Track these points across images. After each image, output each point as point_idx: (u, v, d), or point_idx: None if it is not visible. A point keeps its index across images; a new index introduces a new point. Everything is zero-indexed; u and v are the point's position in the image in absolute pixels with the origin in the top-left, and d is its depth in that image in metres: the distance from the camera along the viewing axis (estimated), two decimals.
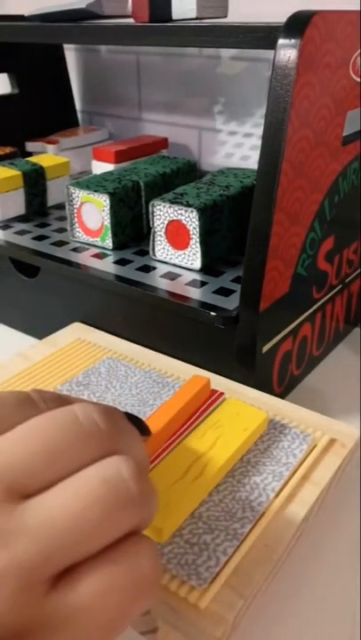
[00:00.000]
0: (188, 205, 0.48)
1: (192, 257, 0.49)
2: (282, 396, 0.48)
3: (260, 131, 0.73)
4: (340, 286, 0.54)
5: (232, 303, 0.44)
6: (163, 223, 0.50)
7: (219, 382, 0.43)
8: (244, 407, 0.39)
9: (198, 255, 0.49)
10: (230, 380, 0.44)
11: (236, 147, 0.76)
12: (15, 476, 0.20)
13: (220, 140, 0.77)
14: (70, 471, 0.20)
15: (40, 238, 0.57)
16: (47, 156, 0.67)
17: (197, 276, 0.49)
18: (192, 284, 0.47)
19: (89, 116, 0.90)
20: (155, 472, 0.33)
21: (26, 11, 0.59)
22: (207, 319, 0.43)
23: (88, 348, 0.48)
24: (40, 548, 0.18)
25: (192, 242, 0.49)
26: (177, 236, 0.49)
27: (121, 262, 0.51)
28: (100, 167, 0.69)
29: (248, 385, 0.43)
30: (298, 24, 0.36)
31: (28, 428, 0.21)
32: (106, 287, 0.49)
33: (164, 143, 0.75)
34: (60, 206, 0.65)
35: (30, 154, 0.77)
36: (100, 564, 0.19)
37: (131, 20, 0.53)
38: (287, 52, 0.36)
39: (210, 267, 0.50)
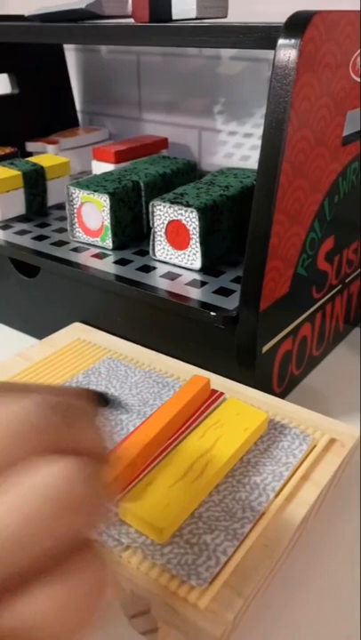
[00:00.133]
0: (188, 205, 0.48)
1: (192, 257, 0.49)
2: (282, 395, 0.48)
3: (260, 131, 0.73)
4: (340, 286, 0.54)
5: (232, 303, 0.44)
6: (163, 223, 0.50)
7: (219, 382, 0.43)
8: (244, 407, 0.39)
9: (198, 255, 0.49)
10: (230, 379, 0.44)
11: (236, 147, 0.76)
12: None
13: (220, 139, 0.77)
14: (8, 474, 0.18)
15: (40, 238, 0.57)
16: (47, 155, 0.67)
17: (197, 276, 0.49)
18: (192, 283, 0.47)
19: (89, 116, 0.90)
20: (155, 472, 0.33)
21: (26, 11, 0.59)
22: (207, 319, 0.43)
23: (88, 347, 0.48)
24: None
25: (192, 242, 0.49)
26: (177, 236, 0.49)
27: (121, 262, 0.51)
28: (100, 167, 0.69)
29: (248, 385, 0.43)
30: (298, 24, 0.36)
31: None
32: (106, 287, 0.49)
33: (164, 143, 0.75)
34: (60, 206, 0.65)
35: (30, 154, 0.77)
36: (43, 579, 0.17)
37: (131, 20, 0.53)
38: (287, 51, 0.36)
39: (210, 267, 0.50)
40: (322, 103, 0.40)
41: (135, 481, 0.33)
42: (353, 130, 0.47)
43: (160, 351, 0.48)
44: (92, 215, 0.54)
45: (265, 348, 0.44)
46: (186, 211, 0.48)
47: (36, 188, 0.62)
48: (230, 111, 0.75)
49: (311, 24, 0.36)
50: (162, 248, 0.51)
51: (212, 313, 0.43)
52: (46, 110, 0.83)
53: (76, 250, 0.54)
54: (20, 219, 0.62)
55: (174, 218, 0.49)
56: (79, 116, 0.90)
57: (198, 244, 0.48)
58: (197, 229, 0.48)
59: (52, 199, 0.64)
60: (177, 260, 0.50)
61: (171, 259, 0.51)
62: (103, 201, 0.52)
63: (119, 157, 0.68)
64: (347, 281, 0.55)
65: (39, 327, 0.57)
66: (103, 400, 0.23)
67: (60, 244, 0.55)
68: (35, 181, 0.62)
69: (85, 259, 0.52)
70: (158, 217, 0.50)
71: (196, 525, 0.31)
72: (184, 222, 0.48)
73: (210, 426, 0.37)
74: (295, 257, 0.44)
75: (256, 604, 0.31)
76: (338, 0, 0.56)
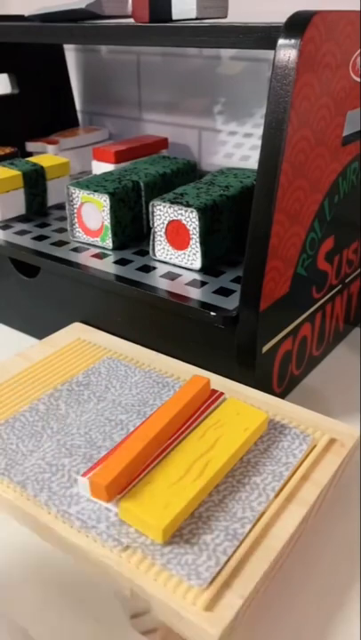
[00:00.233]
0: (188, 205, 0.48)
1: (192, 257, 0.49)
2: (282, 395, 0.48)
3: (260, 131, 0.73)
4: (340, 286, 0.54)
5: (232, 303, 0.44)
6: (163, 223, 0.50)
7: (219, 382, 0.43)
8: (244, 407, 0.39)
9: (198, 255, 0.49)
10: (230, 379, 0.44)
11: (236, 147, 0.76)
12: None
13: (220, 139, 0.77)
14: None
15: (40, 238, 0.57)
16: (47, 156, 0.67)
17: (197, 276, 0.49)
18: (192, 283, 0.47)
19: (89, 116, 0.90)
20: (155, 472, 0.33)
21: (26, 11, 0.59)
22: (207, 319, 0.43)
23: (88, 347, 0.48)
24: None
25: (192, 242, 0.49)
26: (177, 236, 0.49)
27: (121, 262, 0.51)
28: (100, 167, 0.69)
29: (248, 385, 0.43)
30: (298, 24, 0.36)
31: None
32: (106, 287, 0.49)
33: (164, 143, 0.75)
34: (60, 206, 0.65)
35: (30, 154, 0.77)
36: None
37: (131, 20, 0.53)
38: (287, 52, 0.36)
39: (210, 267, 0.50)
40: (322, 103, 0.40)
41: (135, 481, 0.33)
42: (353, 130, 0.47)
43: (160, 351, 0.48)
44: (92, 215, 0.54)
45: (265, 348, 0.44)
46: (186, 211, 0.48)
47: (36, 188, 0.62)
48: (230, 111, 0.75)
49: (311, 24, 0.36)
50: (162, 248, 0.51)
51: (212, 313, 0.43)
52: (46, 110, 0.83)
53: (76, 250, 0.54)
54: (20, 219, 0.62)
55: (174, 218, 0.49)
56: (79, 115, 0.90)
57: (198, 244, 0.48)
58: (197, 229, 0.48)
59: (52, 199, 0.64)
60: (177, 260, 0.50)
61: (171, 259, 0.51)
62: (103, 201, 0.52)
63: (119, 157, 0.68)
64: (347, 281, 0.55)
65: (39, 327, 0.57)
66: None
67: (60, 243, 0.55)
68: (35, 181, 0.62)
69: (85, 259, 0.52)
70: (158, 217, 0.50)
71: (196, 525, 0.31)
72: (184, 222, 0.48)
73: (210, 426, 0.37)
74: (295, 257, 0.44)
75: (256, 604, 0.31)
76: (338, 0, 0.56)
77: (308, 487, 0.34)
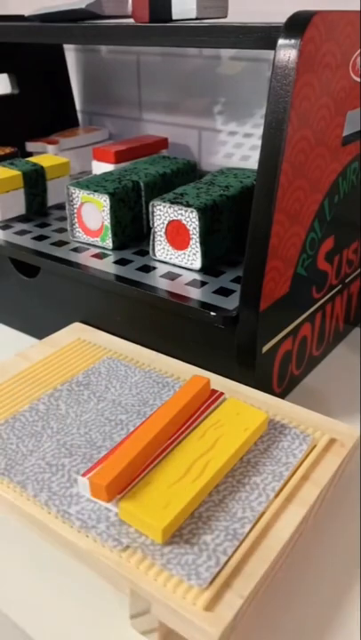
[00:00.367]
0: (188, 205, 0.48)
1: (192, 257, 0.49)
2: (282, 395, 0.48)
3: (260, 131, 0.73)
4: (340, 286, 0.54)
5: (232, 303, 0.44)
6: (163, 223, 0.50)
7: (219, 382, 0.43)
8: (244, 407, 0.39)
9: (198, 255, 0.49)
10: (230, 379, 0.44)
11: (236, 147, 0.76)
12: None
13: (220, 140, 0.77)
14: None
15: (40, 238, 0.57)
16: (47, 156, 0.67)
17: (197, 276, 0.49)
18: (192, 283, 0.47)
19: (89, 116, 0.90)
20: (155, 472, 0.33)
21: (26, 11, 0.59)
22: (207, 319, 0.43)
23: (88, 347, 0.48)
24: None
25: (192, 242, 0.49)
26: (177, 236, 0.49)
27: (121, 262, 0.51)
28: (100, 167, 0.69)
29: (248, 385, 0.43)
30: (298, 24, 0.36)
31: None
32: (106, 287, 0.49)
33: (164, 143, 0.75)
34: (60, 206, 0.65)
35: (30, 154, 0.77)
36: None
37: (131, 20, 0.53)
38: (287, 51, 0.36)
39: (210, 267, 0.50)
40: (322, 103, 0.40)
41: (135, 481, 0.33)
42: (353, 130, 0.47)
43: (160, 351, 0.48)
44: (92, 215, 0.54)
45: (265, 348, 0.44)
46: (186, 211, 0.48)
47: (36, 188, 0.62)
48: (230, 111, 0.75)
49: (311, 24, 0.36)
50: (162, 248, 0.51)
51: (212, 313, 0.43)
52: (46, 110, 0.83)
53: (76, 250, 0.54)
54: (20, 219, 0.62)
55: (174, 218, 0.49)
56: (79, 115, 0.90)
57: (198, 244, 0.48)
58: (197, 229, 0.48)
59: (52, 199, 0.64)
60: (177, 260, 0.50)
61: (171, 259, 0.51)
62: (103, 201, 0.52)
63: (119, 157, 0.68)
64: (347, 281, 0.55)
65: (39, 327, 0.57)
66: None
67: (60, 243, 0.55)
68: (35, 181, 0.62)
69: (85, 259, 0.52)
70: (158, 217, 0.50)
71: (196, 525, 0.31)
72: (184, 222, 0.48)
73: (210, 426, 0.37)
74: (295, 257, 0.44)
75: (256, 604, 0.31)
76: (338, 0, 0.56)
77: (308, 487, 0.34)
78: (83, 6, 0.53)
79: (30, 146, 0.77)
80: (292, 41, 0.36)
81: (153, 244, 0.51)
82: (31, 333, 0.59)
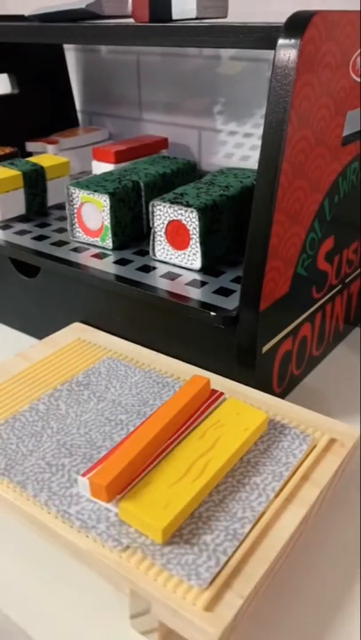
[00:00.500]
0: (188, 205, 0.48)
1: (192, 257, 0.49)
2: (282, 395, 0.48)
3: (260, 131, 0.73)
4: (340, 286, 0.54)
5: (232, 303, 0.44)
6: (163, 223, 0.50)
7: (219, 382, 0.43)
8: (244, 407, 0.39)
9: (198, 255, 0.49)
10: (230, 379, 0.44)
11: (236, 147, 0.76)
12: None
13: (220, 140, 0.77)
14: None
15: (40, 238, 0.57)
16: (47, 155, 0.67)
17: (197, 276, 0.49)
18: (192, 283, 0.47)
19: (89, 116, 0.90)
20: (155, 472, 0.33)
21: (26, 11, 0.59)
22: (207, 319, 0.43)
23: (88, 347, 0.48)
24: None
25: (192, 242, 0.49)
26: (177, 235, 0.49)
27: (121, 262, 0.51)
28: (100, 167, 0.69)
29: (248, 385, 0.43)
30: (298, 24, 0.36)
31: None
32: (106, 287, 0.49)
33: (164, 143, 0.75)
34: (60, 206, 0.65)
35: (30, 154, 0.77)
36: None
37: (131, 20, 0.53)
38: (287, 51, 0.36)
39: (210, 267, 0.50)
40: (322, 103, 0.40)
41: (135, 481, 0.33)
42: (353, 130, 0.47)
43: (160, 351, 0.48)
44: (92, 215, 0.54)
45: (265, 348, 0.44)
46: (186, 211, 0.48)
47: (36, 188, 0.62)
48: (230, 111, 0.75)
49: (311, 24, 0.36)
50: (162, 248, 0.51)
51: (212, 313, 0.43)
52: (46, 110, 0.83)
53: (76, 250, 0.54)
54: (20, 219, 0.62)
55: (174, 218, 0.49)
56: (79, 115, 0.90)
57: (198, 244, 0.48)
58: (197, 229, 0.48)
59: (52, 199, 0.64)
60: (177, 260, 0.50)
61: (171, 259, 0.51)
62: (103, 201, 0.52)
63: (119, 157, 0.68)
64: (347, 281, 0.55)
65: (39, 327, 0.57)
66: None
67: (60, 243, 0.55)
68: (35, 181, 0.62)
69: (85, 259, 0.52)
70: (158, 217, 0.50)
71: (196, 525, 0.31)
72: (184, 222, 0.48)
73: (210, 426, 0.37)
74: (295, 257, 0.44)
75: (256, 604, 0.31)
76: (338, 0, 0.56)
77: (308, 487, 0.34)
78: (83, 6, 0.53)
79: (30, 146, 0.77)
80: (292, 41, 0.36)
81: (153, 244, 0.51)
82: (31, 333, 0.59)
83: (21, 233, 0.58)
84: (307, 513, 0.33)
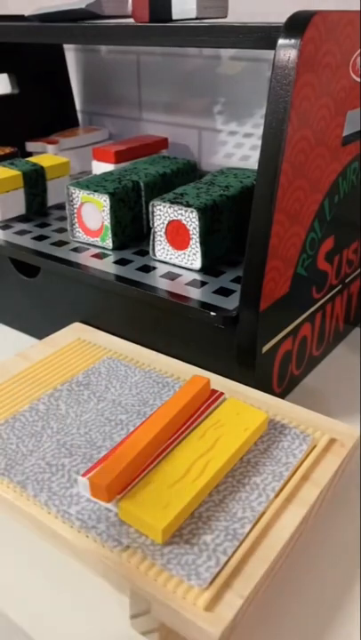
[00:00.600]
0: (188, 205, 0.48)
1: (192, 257, 0.49)
2: (282, 395, 0.48)
3: (260, 131, 0.73)
4: (340, 286, 0.54)
5: (232, 303, 0.44)
6: (163, 223, 0.50)
7: (219, 382, 0.43)
8: (244, 407, 0.39)
9: (198, 255, 0.49)
10: (230, 380, 0.44)
11: (236, 147, 0.76)
12: None
13: (220, 140, 0.77)
14: None
15: (40, 238, 0.57)
16: (47, 155, 0.67)
17: (197, 276, 0.49)
18: (192, 283, 0.47)
19: (89, 116, 0.90)
20: (155, 472, 0.33)
21: (26, 11, 0.59)
22: (207, 319, 0.43)
23: (88, 347, 0.48)
24: None
25: (192, 242, 0.49)
26: (177, 236, 0.49)
27: (121, 262, 0.51)
28: (100, 167, 0.69)
29: (248, 385, 0.43)
30: (298, 24, 0.36)
31: None
32: (106, 287, 0.49)
33: (164, 143, 0.75)
34: (60, 206, 0.65)
35: (30, 154, 0.77)
36: None
37: (131, 20, 0.53)
38: (287, 51, 0.36)
39: (210, 267, 0.50)
40: (322, 103, 0.40)
41: (135, 481, 0.33)
42: (353, 130, 0.47)
43: (160, 351, 0.48)
44: (92, 215, 0.54)
45: (265, 348, 0.44)
46: (186, 211, 0.48)
47: (36, 188, 0.62)
48: (230, 111, 0.75)
49: (311, 24, 0.36)
50: (162, 248, 0.51)
51: (212, 313, 0.43)
52: (46, 110, 0.83)
53: (76, 250, 0.54)
54: (20, 219, 0.62)
55: (174, 218, 0.49)
56: (79, 115, 0.90)
57: (198, 244, 0.48)
58: (197, 229, 0.48)
59: (52, 199, 0.64)
60: (177, 260, 0.50)
61: (171, 259, 0.51)
62: (103, 201, 0.52)
63: (119, 157, 0.68)
64: (347, 281, 0.55)
65: (39, 327, 0.57)
66: None
67: (60, 243, 0.55)
68: (35, 181, 0.62)
69: (85, 259, 0.52)
70: (158, 217, 0.50)
71: (196, 525, 0.31)
72: (184, 222, 0.48)
73: (210, 426, 0.37)
74: (295, 257, 0.44)
75: (256, 604, 0.31)
76: (338, 0, 0.56)
77: (308, 487, 0.34)
78: (83, 6, 0.53)
79: (30, 146, 0.77)
80: (292, 41, 0.36)
81: (153, 244, 0.51)
82: (31, 333, 0.59)
83: (21, 233, 0.58)
84: (307, 513, 0.33)
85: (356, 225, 0.53)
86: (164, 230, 0.50)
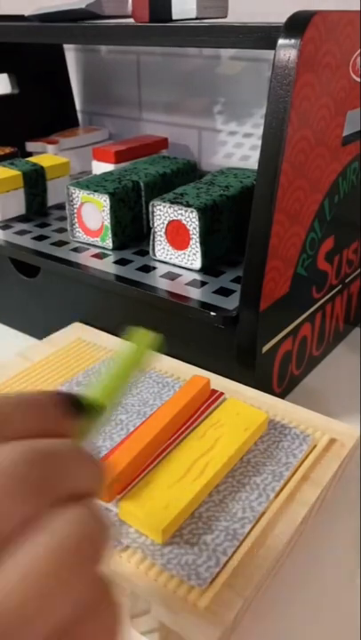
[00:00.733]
0: (188, 205, 0.48)
1: (192, 257, 0.49)
2: (282, 396, 0.48)
3: (260, 131, 0.73)
4: (340, 286, 0.54)
5: (232, 303, 0.44)
6: (163, 223, 0.50)
7: (219, 382, 0.43)
8: (244, 407, 0.39)
9: (198, 255, 0.49)
10: (230, 380, 0.43)
11: (236, 147, 0.76)
12: None
13: (220, 140, 0.77)
14: (21, 531, 0.17)
15: (40, 238, 0.57)
16: (47, 155, 0.67)
17: (197, 276, 0.49)
18: (192, 284, 0.47)
19: (89, 116, 0.90)
20: (155, 472, 0.33)
21: (26, 11, 0.59)
22: (207, 319, 0.43)
23: (88, 347, 0.48)
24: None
25: (192, 242, 0.49)
26: (177, 235, 0.49)
27: (121, 262, 0.51)
28: (100, 167, 0.69)
29: (248, 385, 0.43)
30: (298, 24, 0.36)
31: None
32: (106, 287, 0.49)
33: (164, 143, 0.75)
34: (60, 206, 0.65)
35: (30, 154, 0.77)
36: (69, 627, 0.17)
37: (131, 20, 0.53)
38: (287, 51, 0.36)
39: (210, 267, 0.50)
40: (322, 103, 0.40)
41: (135, 481, 0.33)
42: (353, 130, 0.47)
43: (160, 351, 0.48)
44: (92, 215, 0.54)
45: (265, 348, 0.44)
46: (186, 211, 0.48)
47: (36, 188, 0.62)
48: (230, 111, 0.75)
49: (311, 24, 0.36)
50: (162, 248, 0.51)
51: (212, 313, 0.43)
52: (46, 110, 0.83)
53: (76, 250, 0.54)
54: (20, 219, 0.62)
55: (174, 218, 0.49)
56: (79, 115, 0.90)
57: (198, 244, 0.48)
58: (197, 229, 0.48)
59: (52, 199, 0.64)
60: (177, 260, 0.50)
61: (171, 259, 0.51)
62: (103, 201, 0.52)
63: (119, 157, 0.68)
64: (347, 281, 0.55)
65: (39, 327, 0.57)
66: (79, 406, 0.22)
67: (60, 243, 0.55)
68: (35, 181, 0.62)
69: (85, 259, 0.52)
70: (158, 217, 0.50)
71: (196, 525, 0.31)
72: (184, 222, 0.48)
73: (210, 426, 0.37)
74: (295, 257, 0.44)
75: (256, 604, 0.31)
76: (338, 0, 0.56)
77: (308, 487, 0.34)
78: (83, 6, 0.53)
79: (30, 146, 0.77)
80: (292, 41, 0.36)
81: (153, 244, 0.51)
82: (31, 333, 0.59)
83: (21, 233, 0.58)
84: (307, 513, 0.33)
85: (357, 225, 0.53)
86: (164, 230, 0.50)
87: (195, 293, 0.46)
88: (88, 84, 0.88)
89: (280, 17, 0.39)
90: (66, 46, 0.86)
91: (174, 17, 0.49)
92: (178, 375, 0.44)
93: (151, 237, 0.51)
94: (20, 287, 0.57)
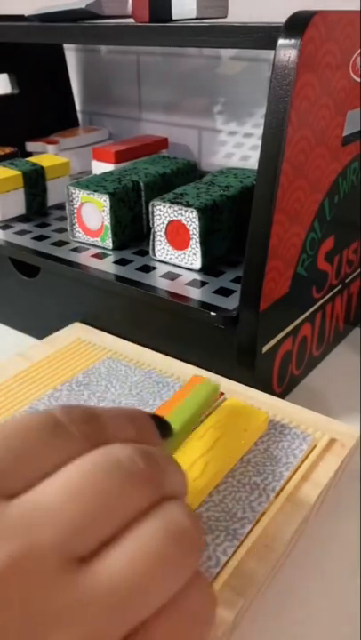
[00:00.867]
0: (188, 205, 0.48)
1: (192, 257, 0.49)
2: (282, 396, 0.48)
3: (260, 131, 0.73)
4: (340, 286, 0.54)
5: (232, 303, 0.44)
6: (163, 223, 0.50)
7: (219, 382, 0.43)
8: (244, 407, 0.39)
9: (198, 255, 0.49)
10: (230, 380, 0.44)
11: (236, 147, 0.76)
12: (69, 542, 0.18)
13: (220, 140, 0.77)
14: (123, 524, 0.19)
15: (40, 238, 0.57)
16: (47, 155, 0.67)
17: (197, 276, 0.49)
18: (192, 283, 0.47)
19: (89, 116, 0.90)
20: None
21: (26, 11, 0.59)
22: (207, 319, 0.43)
23: (88, 347, 0.48)
24: (112, 616, 0.17)
25: (192, 242, 0.49)
26: (177, 235, 0.49)
27: (121, 262, 0.51)
28: (100, 167, 0.69)
29: (248, 385, 0.43)
30: (298, 24, 0.36)
31: (70, 480, 0.19)
32: (106, 287, 0.49)
33: (164, 143, 0.75)
34: (60, 206, 0.65)
35: (30, 154, 0.77)
36: (161, 615, 0.19)
37: (131, 20, 0.53)
38: (287, 51, 0.36)
39: (210, 267, 0.50)
40: (322, 103, 0.40)
41: None
42: (353, 130, 0.47)
43: (160, 351, 0.48)
44: (92, 215, 0.54)
45: (265, 348, 0.44)
46: (186, 211, 0.48)
47: (36, 188, 0.62)
48: (230, 111, 0.75)
49: (311, 24, 0.36)
50: (162, 248, 0.51)
51: (212, 313, 0.43)
52: (46, 110, 0.83)
53: (76, 250, 0.54)
54: (20, 219, 0.62)
55: (174, 218, 0.49)
56: (79, 116, 0.90)
57: (198, 244, 0.48)
58: (197, 229, 0.48)
59: (52, 199, 0.64)
60: (177, 260, 0.50)
61: (171, 259, 0.51)
62: (103, 201, 0.52)
63: (119, 157, 0.68)
64: (347, 281, 0.55)
65: (39, 327, 0.57)
66: (163, 426, 0.26)
67: (60, 243, 0.55)
68: (35, 181, 0.62)
69: (85, 259, 0.52)
70: (158, 217, 0.50)
71: None
72: (184, 222, 0.48)
73: (210, 426, 0.37)
74: (295, 257, 0.44)
75: (256, 604, 0.31)
76: (338, 0, 0.56)
77: (309, 487, 0.34)
78: (83, 6, 0.53)
79: (30, 146, 0.77)
80: (292, 41, 0.36)
81: (153, 244, 0.51)
82: (31, 333, 0.59)
83: (21, 233, 0.58)
84: (307, 513, 0.33)
85: (357, 225, 0.53)
86: (164, 230, 0.50)
87: (195, 293, 0.46)
88: (88, 84, 0.88)
89: (280, 17, 0.39)
90: (66, 46, 0.86)
91: (174, 17, 0.49)
92: (178, 375, 0.44)
93: (151, 237, 0.51)
94: (20, 287, 0.57)
